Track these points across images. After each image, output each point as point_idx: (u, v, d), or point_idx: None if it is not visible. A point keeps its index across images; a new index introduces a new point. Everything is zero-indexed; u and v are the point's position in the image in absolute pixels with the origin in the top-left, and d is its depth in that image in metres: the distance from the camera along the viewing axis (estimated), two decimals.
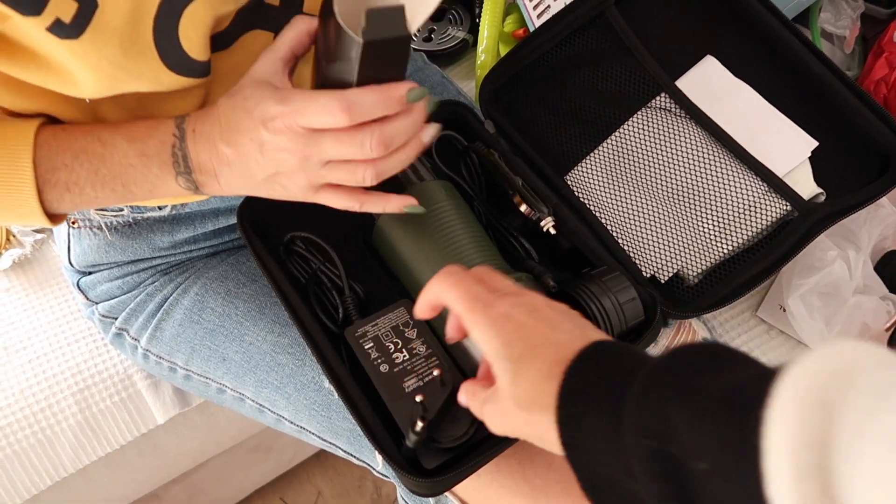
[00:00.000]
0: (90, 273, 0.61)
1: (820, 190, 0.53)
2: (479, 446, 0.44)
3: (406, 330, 0.49)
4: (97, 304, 0.61)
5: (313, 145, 0.38)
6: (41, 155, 0.42)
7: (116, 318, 0.60)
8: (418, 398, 0.42)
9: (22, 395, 0.65)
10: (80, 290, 0.61)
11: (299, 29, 0.40)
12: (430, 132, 0.42)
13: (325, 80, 0.40)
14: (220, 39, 0.45)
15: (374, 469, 0.55)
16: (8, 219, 0.47)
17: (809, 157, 0.53)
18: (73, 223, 0.59)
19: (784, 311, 0.63)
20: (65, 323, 0.69)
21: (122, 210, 0.56)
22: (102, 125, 0.44)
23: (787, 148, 0.53)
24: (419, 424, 0.41)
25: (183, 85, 0.43)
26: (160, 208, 0.56)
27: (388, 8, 0.35)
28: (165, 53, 0.41)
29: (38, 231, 0.73)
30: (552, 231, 0.51)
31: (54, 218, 0.46)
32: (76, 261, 0.60)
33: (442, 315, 0.46)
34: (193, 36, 0.41)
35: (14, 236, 0.73)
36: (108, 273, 0.60)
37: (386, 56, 0.37)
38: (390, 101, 0.38)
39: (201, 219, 0.58)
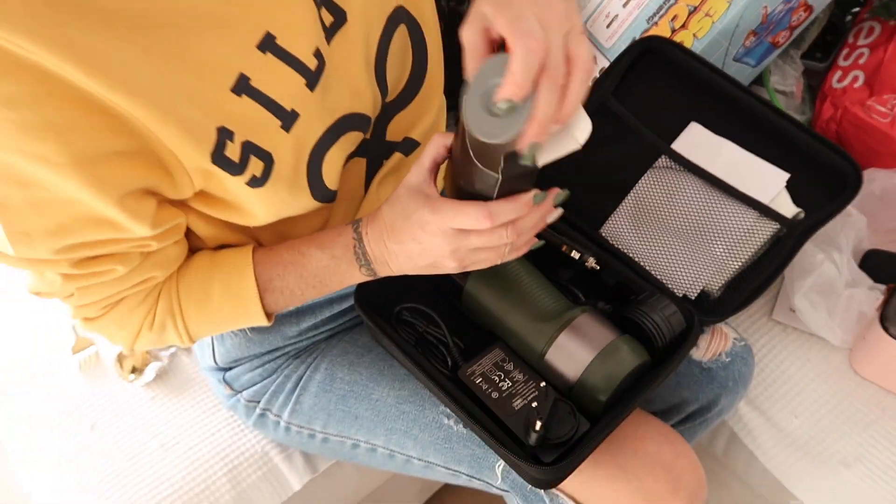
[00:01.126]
0: (232, 368, 0.75)
1: (799, 209, 0.68)
2: (580, 441, 0.58)
3: (504, 364, 0.63)
4: (241, 392, 0.75)
5: (462, 240, 0.51)
6: (259, 271, 0.58)
7: (259, 402, 0.74)
8: (534, 404, 0.56)
9: (183, 481, 0.78)
10: (225, 383, 0.75)
11: (438, 144, 0.53)
12: (554, 216, 0.55)
13: (465, 192, 0.51)
14: None
15: (493, 485, 0.67)
16: (234, 323, 0.62)
17: (786, 186, 0.69)
18: None
19: (793, 311, 0.77)
20: (207, 417, 0.82)
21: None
22: (298, 240, 0.59)
23: (767, 181, 0.69)
24: (538, 423, 0.55)
25: (318, 208, 0.59)
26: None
27: (528, 168, 0.45)
28: (314, 188, 0.57)
29: (170, 346, 0.88)
30: (596, 267, 0.66)
31: (269, 317, 0.60)
32: (220, 359, 0.75)
33: (532, 349, 0.60)
34: (331, 173, 0.57)
35: (149, 353, 0.88)
36: (248, 364, 0.74)
37: (518, 180, 0.49)
38: (522, 207, 0.50)
39: (320, 308, 0.73)
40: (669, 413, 0.72)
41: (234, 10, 0.48)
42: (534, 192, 0.50)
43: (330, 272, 0.58)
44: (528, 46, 0.42)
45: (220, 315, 0.60)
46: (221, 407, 0.83)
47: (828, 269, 0.73)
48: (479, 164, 0.47)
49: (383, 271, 0.57)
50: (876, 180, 0.78)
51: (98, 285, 0.55)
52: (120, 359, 0.88)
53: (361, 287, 0.68)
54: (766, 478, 0.79)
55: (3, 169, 0.45)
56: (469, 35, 0.46)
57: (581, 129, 0.48)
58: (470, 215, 0.49)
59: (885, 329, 0.68)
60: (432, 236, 0.52)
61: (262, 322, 0.60)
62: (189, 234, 0.61)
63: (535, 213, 0.52)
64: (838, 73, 0.86)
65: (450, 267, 0.55)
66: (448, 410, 0.67)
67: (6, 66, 0.41)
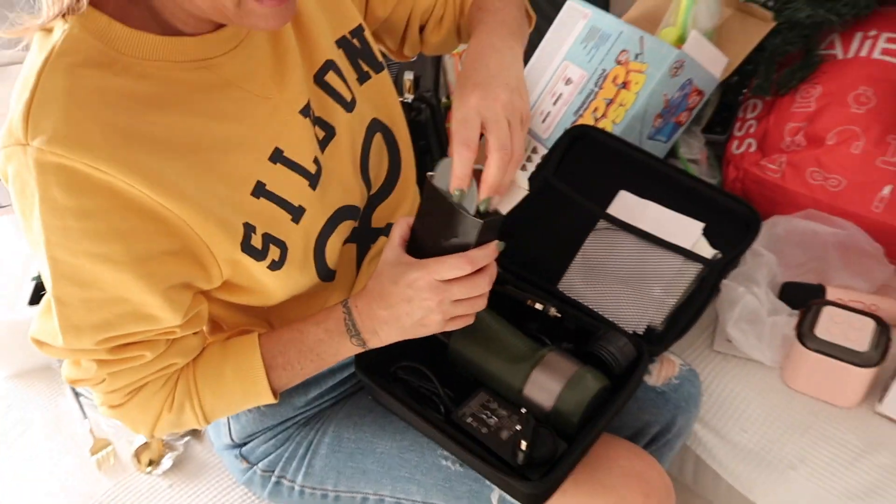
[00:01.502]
0: (248, 443, 0.83)
1: (716, 251, 0.83)
2: (561, 459, 0.68)
3: (490, 404, 0.74)
4: (256, 464, 0.83)
5: (446, 291, 0.62)
6: (264, 351, 0.68)
7: (274, 470, 0.82)
8: (517, 427, 0.66)
9: None
10: (242, 457, 0.83)
11: (402, 225, 0.66)
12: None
13: (444, 249, 0.62)
14: None
15: None
16: (244, 402, 0.70)
17: (703, 234, 0.84)
18: None
19: (729, 340, 0.90)
20: (223, 496, 0.89)
21: None
22: (298, 322, 0.69)
23: (687, 231, 0.84)
24: (523, 444, 0.65)
25: (318, 288, 0.71)
26: None
27: (486, 204, 0.61)
28: (319, 268, 0.69)
29: (184, 435, 0.95)
30: (558, 315, 0.78)
31: (275, 393, 0.70)
32: (236, 436, 0.83)
33: (511, 387, 0.71)
34: (332, 255, 0.70)
35: (164, 444, 0.95)
36: (263, 437, 0.82)
37: (488, 231, 0.61)
38: (493, 253, 0.62)
39: (324, 378, 0.83)
40: (636, 437, 0.82)
41: (250, 133, 0.62)
42: (496, 242, 0.63)
43: (324, 345, 0.67)
44: (462, 155, 0.59)
45: (232, 395, 0.69)
46: (236, 486, 0.90)
47: (750, 301, 0.87)
48: (465, 216, 0.60)
49: (372, 341, 0.67)
50: (779, 224, 0.94)
51: (128, 370, 0.64)
52: (137, 453, 0.95)
53: (360, 354, 0.79)
54: (732, 494, 0.89)
55: (69, 270, 0.56)
56: (456, 126, 0.63)
57: (524, 180, 0.63)
58: (453, 264, 0.60)
59: (802, 343, 0.82)
60: (420, 291, 0.62)
61: (269, 399, 0.69)
62: (208, 323, 0.73)
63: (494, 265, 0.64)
64: (736, 142, 1.04)
65: (435, 321, 0.64)
66: (445, 452, 0.76)
67: (85, 185, 0.53)
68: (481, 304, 0.66)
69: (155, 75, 0.57)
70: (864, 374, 0.79)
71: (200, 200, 0.58)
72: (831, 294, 0.90)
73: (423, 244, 0.65)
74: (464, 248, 0.61)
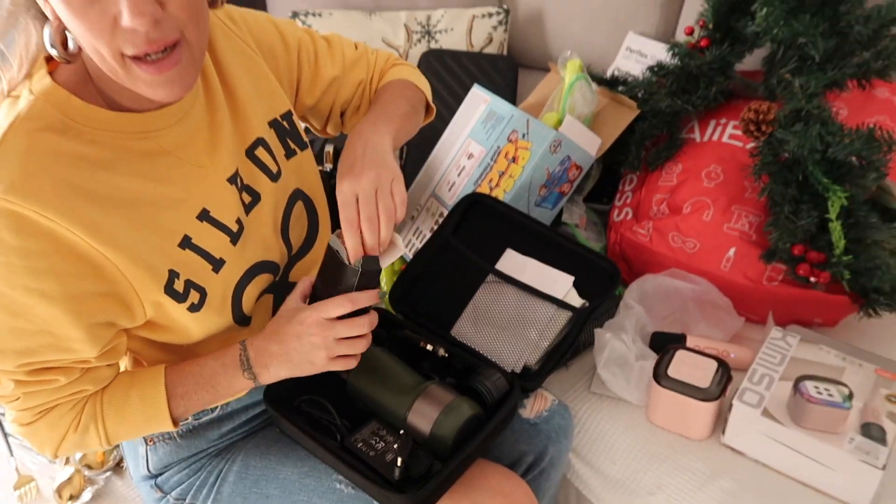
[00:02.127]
0: (163, 473, 0.91)
1: (584, 300, 0.96)
2: (435, 476, 0.78)
3: (379, 431, 0.84)
4: (170, 493, 0.90)
5: (331, 328, 0.74)
6: (167, 383, 0.77)
7: (185, 498, 0.90)
8: (395, 446, 0.76)
9: None
10: (157, 487, 0.91)
11: (305, 281, 0.80)
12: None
13: (332, 294, 0.76)
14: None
15: None
16: (146, 427, 0.78)
17: (573, 286, 0.97)
18: (150, 441, 0.90)
19: (603, 383, 1.02)
20: None
21: (187, 419, 0.89)
22: (202, 356, 0.79)
23: (560, 283, 0.97)
24: (398, 460, 0.75)
25: (231, 328, 0.81)
26: (212, 411, 0.90)
27: (371, 258, 0.76)
28: (234, 313, 0.80)
29: (105, 470, 1.02)
30: (445, 354, 0.89)
31: (175, 422, 0.78)
32: (153, 467, 0.90)
33: (397, 416, 0.82)
34: (248, 302, 0.81)
35: (85, 479, 1.01)
36: (178, 468, 0.90)
37: (371, 277, 0.75)
38: (374, 297, 0.75)
39: (238, 414, 0.92)
40: (514, 466, 0.92)
41: (182, 194, 0.74)
42: (378, 290, 0.76)
43: (220, 378, 0.78)
44: (349, 234, 0.77)
45: (135, 420, 0.77)
46: None
47: (617, 346, 1.00)
48: (347, 266, 0.75)
49: (262, 376, 0.77)
50: (647, 281, 1.08)
51: (41, 392, 0.72)
52: (59, 489, 1.01)
53: (269, 387, 0.89)
54: None
55: (4, 301, 0.66)
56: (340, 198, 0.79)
57: (401, 242, 0.78)
58: (336, 303, 0.74)
59: (657, 382, 0.94)
60: (309, 327, 0.74)
61: (169, 426, 0.77)
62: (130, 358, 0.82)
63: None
64: (616, 211, 1.19)
65: (321, 358, 0.75)
66: (340, 477, 0.85)
67: (31, 229, 0.63)
68: (362, 346, 0.77)
69: (103, 142, 0.68)
70: (707, 408, 0.92)
71: (132, 248, 0.68)
72: (691, 342, 1.04)
73: (319, 296, 0.78)
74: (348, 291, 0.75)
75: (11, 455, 1.07)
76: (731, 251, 1.04)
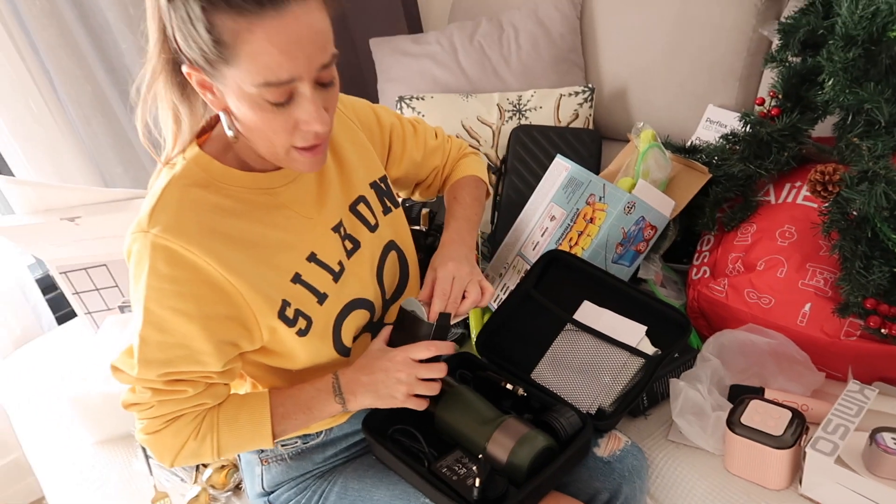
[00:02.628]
0: (275, 491, 1.04)
1: (656, 349, 1.02)
2: (508, 499, 0.85)
3: (462, 459, 0.93)
4: None
5: (414, 368, 0.88)
6: (271, 403, 0.92)
7: None
8: (474, 468, 0.85)
9: None
10: (270, 503, 1.04)
11: (386, 331, 0.94)
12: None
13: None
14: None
15: None
16: (250, 443, 0.92)
17: (646, 335, 1.04)
18: (265, 462, 1.04)
19: (680, 431, 1.07)
20: None
21: (296, 442, 1.02)
22: (300, 383, 0.94)
23: (633, 332, 1.04)
24: (477, 481, 0.84)
25: (336, 360, 0.95)
26: (317, 436, 1.02)
27: (444, 314, 0.91)
28: (335, 343, 0.94)
29: (226, 490, 1.16)
30: (524, 394, 0.98)
31: (274, 438, 0.91)
32: (267, 485, 1.04)
33: (478, 445, 0.91)
34: (346, 334, 0.94)
35: (211, 497, 1.16)
36: (287, 486, 1.03)
37: (443, 332, 0.90)
38: (450, 348, 0.89)
39: (339, 441, 1.04)
40: (589, 503, 0.98)
41: (294, 240, 0.90)
42: (453, 344, 0.91)
43: (314, 401, 0.91)
44: (439, 291, 0.93)
45: (243, 433, 0.91)
46: None
47: (692, 394, 1.04)
48: (424, 321, 0.91)
49: (350, 402, 0.91)
50: (724, 335, 1.12)
51: (172, 401, 0.87)
52: None
53: (367, 417, 1.00)
54: None
55: (155, 319, 0.82)
56: (427, 280, 0.97)
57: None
58: (422, 346, 0.88)
59: (730, 429, 0.98)
60: (396, 364, 0.88)
61: (269, 443, 0.91)
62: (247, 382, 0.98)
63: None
64: (694, 269, 1.25)
65: (401, 393, 0.89)
66: (426, 500, 0.94)
67: (179, 261, 0.80)
68: (435, 389, 0.90)
69: (236, 196, 0.86)
70: (781, 456, 0.94)
71: (254, 280, 0.85)
72: (769, 395, 1.06)
73: (395, 346, 0.93)
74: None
75: (151, 474, 1.24)
76: (807, 306, 1.08)
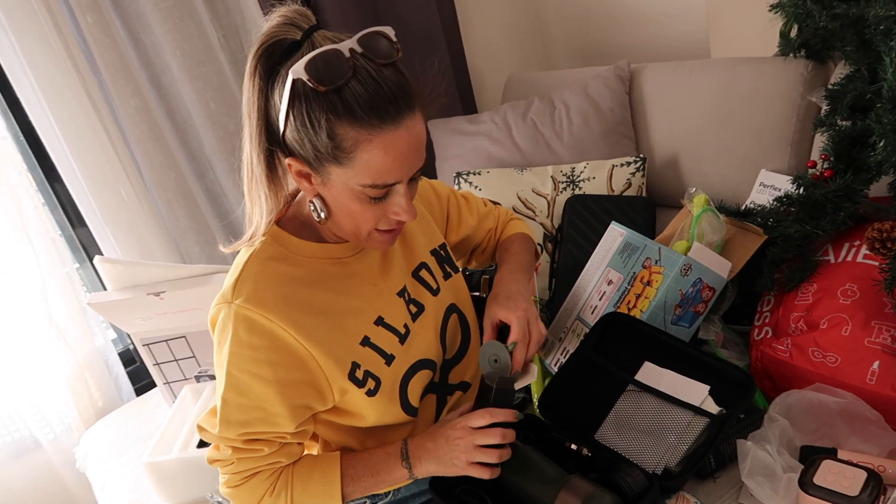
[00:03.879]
0: None
1: (720, 408, 1.02)
2: None
3: None
4: None
5: (472, 434, 0.91)
6: (342, 465, 0.95)
7: None
8: None
9: None
10: None
11: (466, 406, 0.98)
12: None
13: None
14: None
15: None
16: (320, 502, 0.96)
17: (709, 394, 1.04)
18: None
19: (751, 494, 1.05)
20: None
21: (365, 501, 1.05)
22: (369, 449, 0.97)
23: (696, 392, 1.05)
24: None
25: (403, 420, 0.99)
26: (385, 496, 1.05)
27: (506, 378, 0.94)
28: (402, 403, 0.98)
29: None
30: (588, 454, 0.99)
31: (344, 499, 0.95)
32: None
33: (540, 502, 0.92)
34: (413, 394, 0.99)
35: None
36: None
37: (506, 397, 0.93)
38: (509, 415, 0.92)
39: (407, 500, 1.06)
40: None
41: (363, 305, 0.96)
42: (515, 411, 0.93)
43: (382, 464, 0.95)
44: (521, 335, 0.95)
45: (315, 492, 0.95)
46: None
47: (761, 455, 1.03)
48: (487, 384, 0.94)
49: (416, 468, 0.94)
50: (791, 396, 1.11)
51: (250, 458, 0.93)
52: None
53: (434, 478, 1.03)
54: None
55: (236, 382, 0.89)
56: (486, 324, 1.00)
57: (532, 374, 0.97)
58: (479, 414, 0.91)
59: (802, 489, 0.96)
60: (455, 430, 0.91)
61: (337, 502, 0.94)
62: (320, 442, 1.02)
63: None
64: (756, 330, 1.25)
65: (462, 460, 0.91)
66: None
67: (259, 329, 0.87)
68: (497, 457, 0.92)
69: (309, 266, 0.93)
70: None
71: (326, 343, 0.91)
72: (843, 456, 1.04)
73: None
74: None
75: None
76: (876, 364, 1.06)
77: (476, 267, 1.31)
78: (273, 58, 0.80)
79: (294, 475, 0.95)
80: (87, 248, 2.00)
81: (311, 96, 0.77)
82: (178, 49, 1.80)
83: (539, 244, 1.70)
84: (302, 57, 0.76)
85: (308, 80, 0.76)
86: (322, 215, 0.88)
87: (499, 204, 1.32)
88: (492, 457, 0.92)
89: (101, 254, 1.91)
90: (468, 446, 0.91)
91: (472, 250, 1.27)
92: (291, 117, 0.79)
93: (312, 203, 0.88)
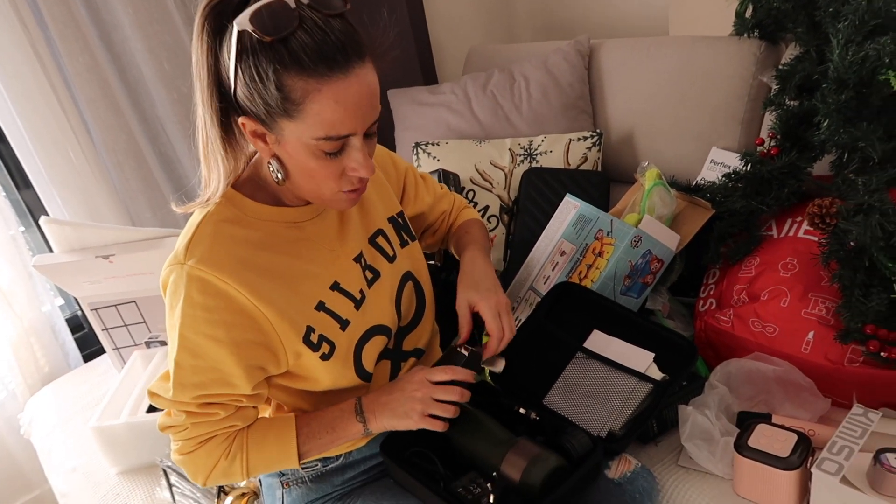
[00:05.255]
0: None
1: (664, 374, 1.06)
2: None
3: (476, 479, 0.97)
4: None
5: (430, 388, 0.92)
6: (297, 425, 0.96)
7: None
8: (489, 486, 0.88)
9: None
10: None
11: (418, 368, 0.98)
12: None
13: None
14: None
15: None
16: (277, 462, 0.96)
17: (654, 361, 1.07)
18: (286, 485, 1.07)
19: (690, 457, 1.09)
20: None
21: (316, 465, 1.06)
22: (322, 407, 0.98)
23: (641, 359, 1.08)
24: (492, 497, 0.87)
25: (357, 384, 1.00)
26: (336, 459, 1.06)
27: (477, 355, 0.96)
28: (357, 368, 0.98)
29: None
30: (536, 418, 1.02)
31: (300, 458, 0.96)
32: None
33: (492, 465, 0.94)
34: (367, 359, 0.99)
35: None
36: None
37: (471, 362, 0.95)
38: (469, 376, 0.93)
39: (358, 464, 1.07)
40: None
41: (319, 270, 0.96)
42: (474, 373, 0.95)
43: (338, 421, 0.95)
44: (496, 331, 0.96)
45: (270, 453, 0.95)
46: None
47: (700, 420, 1.07)
48: (459, 352, 0.96)
49: (371, 422, 0.95)
50: (731, 364, 1.16)
51: (205, 423, 0.92)
52: None
53: (385, 441, 1.04)
54: None
55: (189, 344, 0.88)
56: (462, 309, 1.00)
57: (499, 366, 1.00)
58: (440, 369, 0.92)
59: (738, 451, 1.00)
60: (412, 383, 0.92)
61: (295, 462, 0.95)
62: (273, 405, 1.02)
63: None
64: (701, 302, 1.29)
65: (416, 412, 0.92)
66: None
67: (212, 290, 0.86)
68: (449, 411, 0.93)
69: (265, 230, 0.92)
70: (788, 477, 0.96)
71: (281, 307, 0.90)
72: (777, 420, 1.09)
73: None
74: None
75: (174, 501, 1.27)
76: (811, 334, 1.11)
77: (425, 249, 1.30)
78: (221, 15, 0.78)
79: (249, 437, 0.95)
80: (33, 210, 1.94)
81: (258, 48, 0.76)
82: (130, 5, 1.74)
83: (495, 216, 1.72)
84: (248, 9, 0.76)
85: (253, 31, 0.75)
86: (279, 176, 0.88)
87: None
88: (447, 411, 0.93)
89: (48, 216, 1.85)
90: (426, 398, 0.92)
91: (424, 230, 1.27)
92: (240, 73, 0.78)
93: (270, 164, 0.87)
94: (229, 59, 0.78)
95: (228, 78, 0.79)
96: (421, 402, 0.93)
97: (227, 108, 0.83)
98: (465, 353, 0.96)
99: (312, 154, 0.82)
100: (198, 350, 0.87)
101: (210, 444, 0.94)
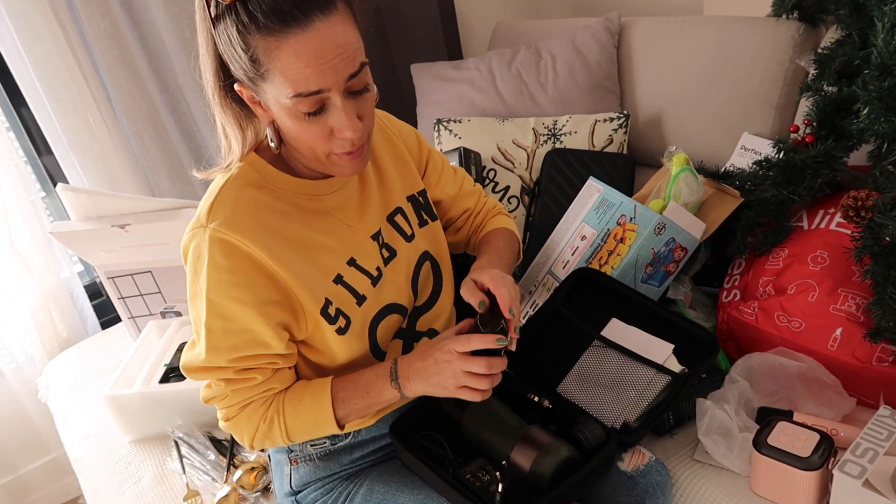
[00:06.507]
0: (302, 490, 1.06)
1: (683, 367, 1.03)
2: None
3: (486, 466, 0.95)
4: None
5: (465, 360, 0.87)
6: (332, 388, 0.94)
7: None
8: (498, 475, 0.86)
9: None
10: (296, 503, 1.06)
11: (464, 323, 0.93)
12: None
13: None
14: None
15: None
16: (315, 425, 0.94)
17: (673, 353, 1.04)
18: (294, 462, 1.07)
19: (706, 451, 1.06)
20: None
21: (325, 443, 1.05)
22: (358, 371, 0.96)
23: (660, 350, 1.05)
24: (500, 486, 0.85)
25: (372, 362, 0.98)
26: (346, 437, 1.05)
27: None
28: (371, 344, 0.97)
29: (255, 491, 1.19)
30: (550, 406, 0.99)
31: (339, 422, 0.94)
32: (295, 484, 1.06)
33: (502, 453, 0.92)
34: (382, 337, 0.97)
35: (240, 497, 1.19)
36: (314, 486, 1.05)
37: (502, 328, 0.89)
38: (491, 342, 0.87)
39: (366, 444, 1.06)
40: None
41: (337, 245, 0.94)
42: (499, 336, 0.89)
43: (372, 385, 0.93)
44: (503, 294, 0.89)
45: (307, 416, 0.93)
46: None
47: (719, 414, 1.04)
48: (479, 326, 0.90)
49: (405, 387, 0.92)
50: (753, 358, 1.12)
51: (243, 389, 0.92)
52: (219, 503, 1.19)
53: (394, 422, 1.03)
54: None
55: (217, 308, 0.87)
56: (467, 289, 0.93)
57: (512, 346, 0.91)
58: (476, 339, 0.86)
59: (757, 449, 0.97)
60: (447, 353, 0.87)
61: (334, 426, 0.93)
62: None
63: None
64: (725, 293, 1.25)
65: (450, 384, 0.88)
66: None
67: (235, 253, 0.85)
68: (486, 385, 0.88)
69: (286, 199, 0.91)
70: (808, 478, 0.93)
71: (300, 275, 0.89)
72: (798, 418, 1.06)
73: None
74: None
75: (184, 473, 1.27)
76: (838, 331, 1.07)
77: (449, 249, 1.20)
78: None
79: (286, 400, 0.94)
80: (53, 176, 1.94)
81: (224, 14, 0.76)
82: None
83: (516, 196, 1.68)
84: None
85: None
86: (274, 143, 0.87)
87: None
88: (482, 384, 0.87)
89: (67, 183, 1.85)
90: (458, 370, 0.87)
91: (447, 225, 1.20)
92: (219, 40, 0.79)
93: (267, 131, 0.87)
94: (213, 27, 0.79)
95: (216, 45, 0.81)
96: (454, 377, 0.87)
97: (230, 82, 0.84)
98: (498, 325, 0.88)
99: (294, 115, 0.80)
100: (227, 314, 0.87)
101: (249, 408, 0.94)
